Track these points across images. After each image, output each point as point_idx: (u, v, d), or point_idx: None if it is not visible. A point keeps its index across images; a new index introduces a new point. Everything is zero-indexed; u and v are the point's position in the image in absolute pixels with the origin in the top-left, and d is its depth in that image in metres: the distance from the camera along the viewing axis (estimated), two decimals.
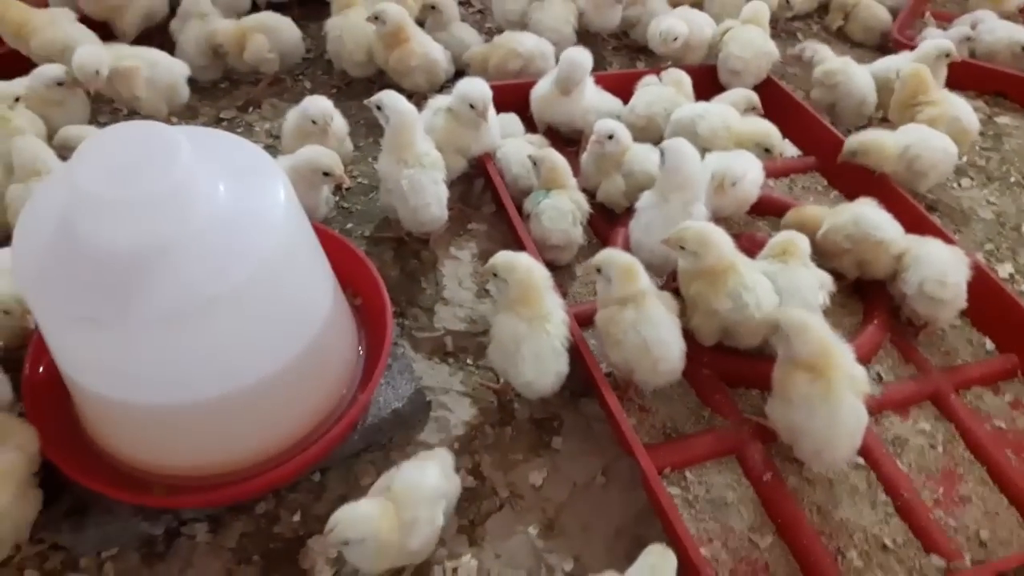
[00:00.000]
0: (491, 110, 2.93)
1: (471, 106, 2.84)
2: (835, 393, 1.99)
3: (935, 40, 3.61)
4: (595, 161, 2.91)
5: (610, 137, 2.84)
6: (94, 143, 1.72)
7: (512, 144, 3.01)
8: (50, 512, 1.94)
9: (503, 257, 2.20)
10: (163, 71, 3.10)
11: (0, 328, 2.20)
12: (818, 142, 3.30)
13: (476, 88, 2.86)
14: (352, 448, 2.15)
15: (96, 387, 1.82)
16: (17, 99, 2.77)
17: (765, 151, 2.94)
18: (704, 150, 2.80)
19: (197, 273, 1.67)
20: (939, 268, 2.42)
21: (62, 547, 1.95)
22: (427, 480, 1.87)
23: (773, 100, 3.38)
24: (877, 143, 2.98)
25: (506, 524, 2.10)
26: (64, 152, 2.55)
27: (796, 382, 2.03)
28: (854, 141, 3.01)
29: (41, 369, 2.08)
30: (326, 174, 2.58)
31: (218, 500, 1.99)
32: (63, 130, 2.71)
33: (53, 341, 1.83)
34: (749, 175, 2.75)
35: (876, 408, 2.32)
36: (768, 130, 3.01)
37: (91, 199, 1.64)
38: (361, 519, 1.74)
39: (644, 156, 2.83)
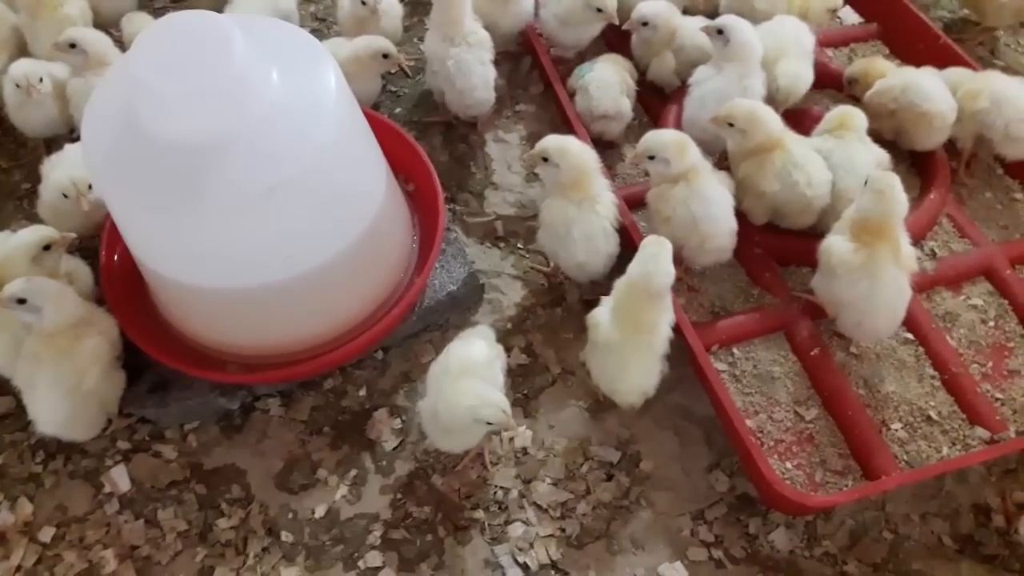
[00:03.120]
0: None
1: None
2: (877, 264, 1.98)
3: None
4: (643, 40, 2.78)
5: (644, 24, 2.70)
6: (150, 36, 1.74)
7: None
8: (135, 389, 2.08)
9: (554, 141, 2.18)
10: None
11: (66, 213, 2.23)
12: (881, 7, 3.14)
13: None
14: (412, 328, 2.25)
15: (168, 272, 1.92)
16: None
17: None
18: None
19: (258, 162, 1.72)
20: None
21: (149, 420, 2.12)
22: (476, 350, 1.95)
23: None
24: None
25: (558, 398, 2.19)
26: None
27: (840, 251, 2.03)
28: None
29: (116, 257, 2.19)
30: (385, 56, 2.57)
31: (288, 376, 2.12)
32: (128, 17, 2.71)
33: (126, 229, 1.93)
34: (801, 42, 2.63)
35: (928, 284, 2.32)
36: None
37: (152, 94, 1.68)
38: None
39: (696, 31, 2.68)
